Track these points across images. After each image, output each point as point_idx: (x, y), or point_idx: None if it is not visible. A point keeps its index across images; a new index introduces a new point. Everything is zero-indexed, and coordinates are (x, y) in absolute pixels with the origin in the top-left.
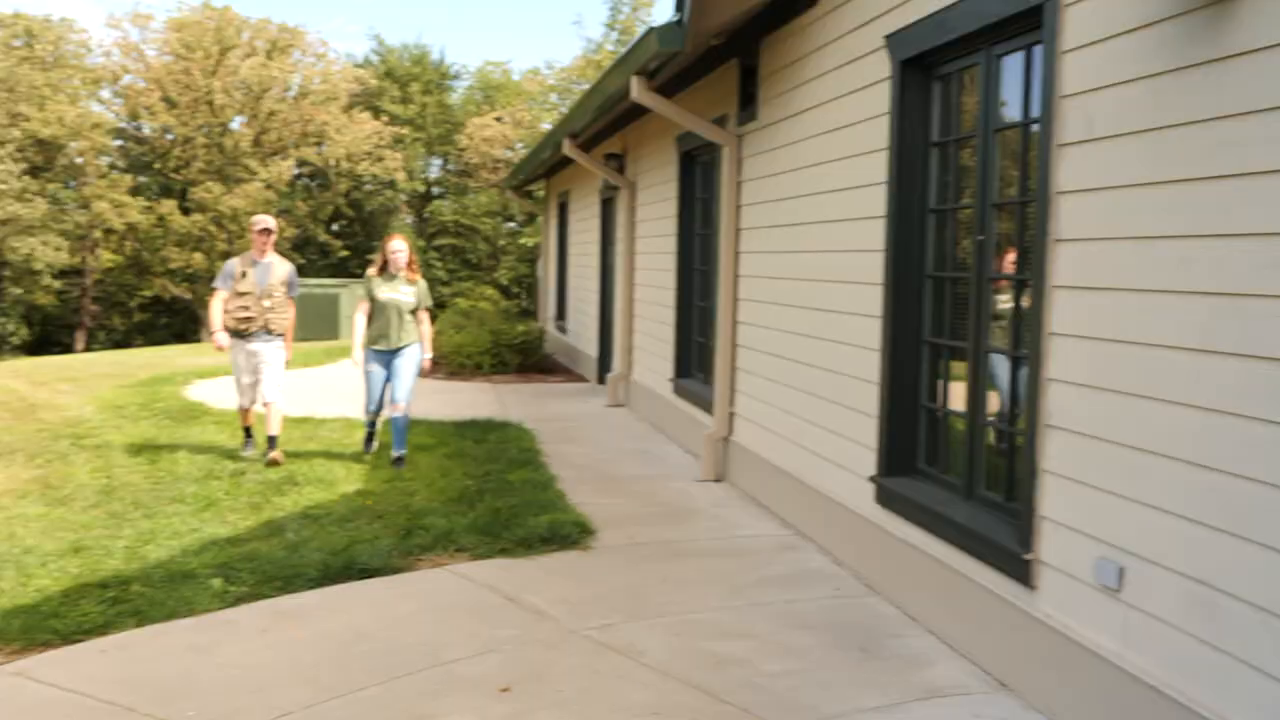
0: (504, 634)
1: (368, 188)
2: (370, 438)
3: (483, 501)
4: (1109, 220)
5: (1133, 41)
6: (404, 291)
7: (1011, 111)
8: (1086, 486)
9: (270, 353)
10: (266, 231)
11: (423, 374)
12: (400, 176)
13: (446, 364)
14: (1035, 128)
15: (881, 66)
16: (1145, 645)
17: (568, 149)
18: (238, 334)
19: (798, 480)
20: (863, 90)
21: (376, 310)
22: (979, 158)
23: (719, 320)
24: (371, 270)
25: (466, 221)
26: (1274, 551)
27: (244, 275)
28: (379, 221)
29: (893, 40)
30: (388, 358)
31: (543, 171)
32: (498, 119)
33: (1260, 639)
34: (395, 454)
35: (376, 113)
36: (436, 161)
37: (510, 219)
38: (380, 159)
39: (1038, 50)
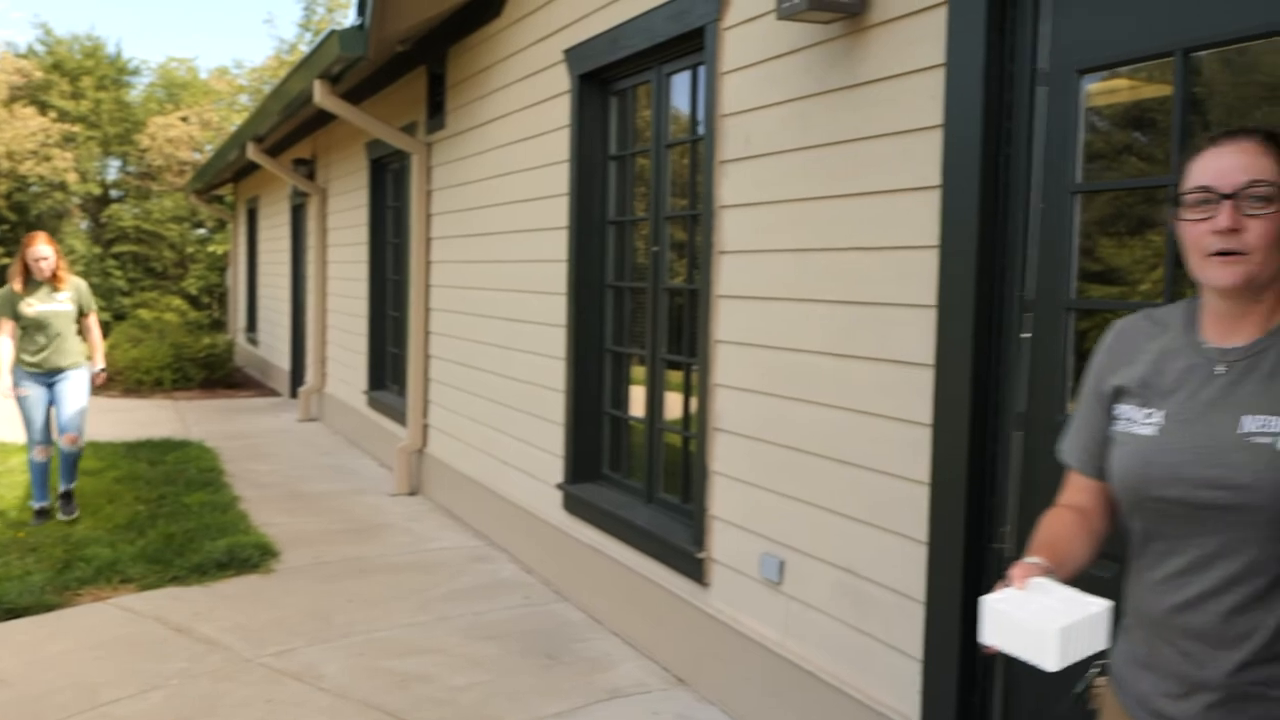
0: (171, 668)
1: (34, 189)
2: (43, 484)
3: (155, 528)
4: (766, 233)
5: (783, 66)
6: (57, 300)
7: (681, 128)
8: (751, 486)
9: None
10: None
11: (95, 387)
12: (72, 178)
13: (122, 380)
14: (702, 144)
15: (561, 80)
16: (803, 633)
17: (252, 153)
18: None
19: (490, 490)
20: (545, 102)
21: (27, 328)
22: (653, 172)
23: (411, 330)
24: (13, 282)
25: (149, 227)
26: (906, 539)
27: None
28: (48, 226)
29: (571, 55)
30: (48, 380)
31: (230, 176)
32: (183, 119)
33: (897, 620)
34: (62, 488)
35: (43, 108)
36: (115, 163)
37: (200, 225)
38: (48, 158)
39: (702, 70)
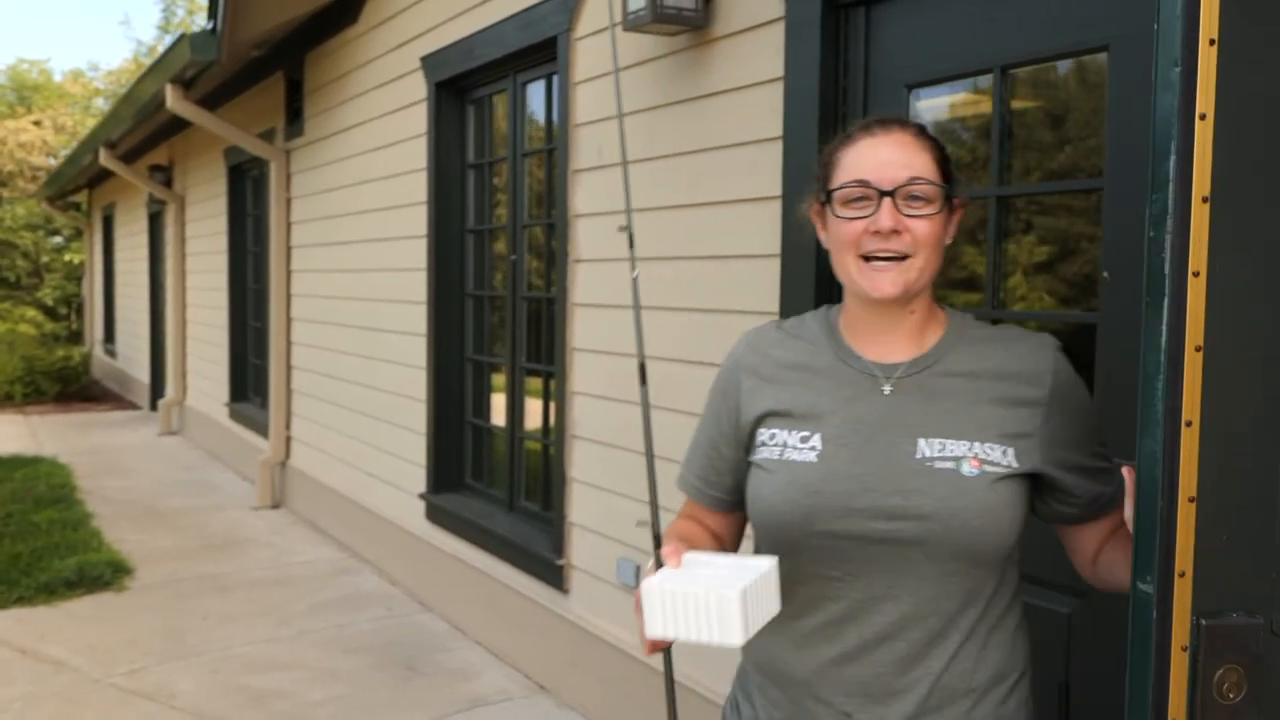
0: (14, 692)
1: None
2: None
3: (1, 547)
4: (617, 242)
5: (632, 77)
6: None
7: (537, 137)
8: (607, 492)
9: None
10: None
11: None
12: None
13: None
14: (557, 154)
15: (419, 88)
16: None
17: (105, 159)
18: None
19: (354, 502)
20: (404, 110)
21: None
22: (510, 180)
23: (273, 341)
24: None
25: (0, 235)
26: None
27: None
28: None
29: (428, 62)
30: None
31: (85, 182)
32: (36, 123)
33: None
34: None
35: None
36: None
37: (56, 233)
38: None
39: (556, 80)
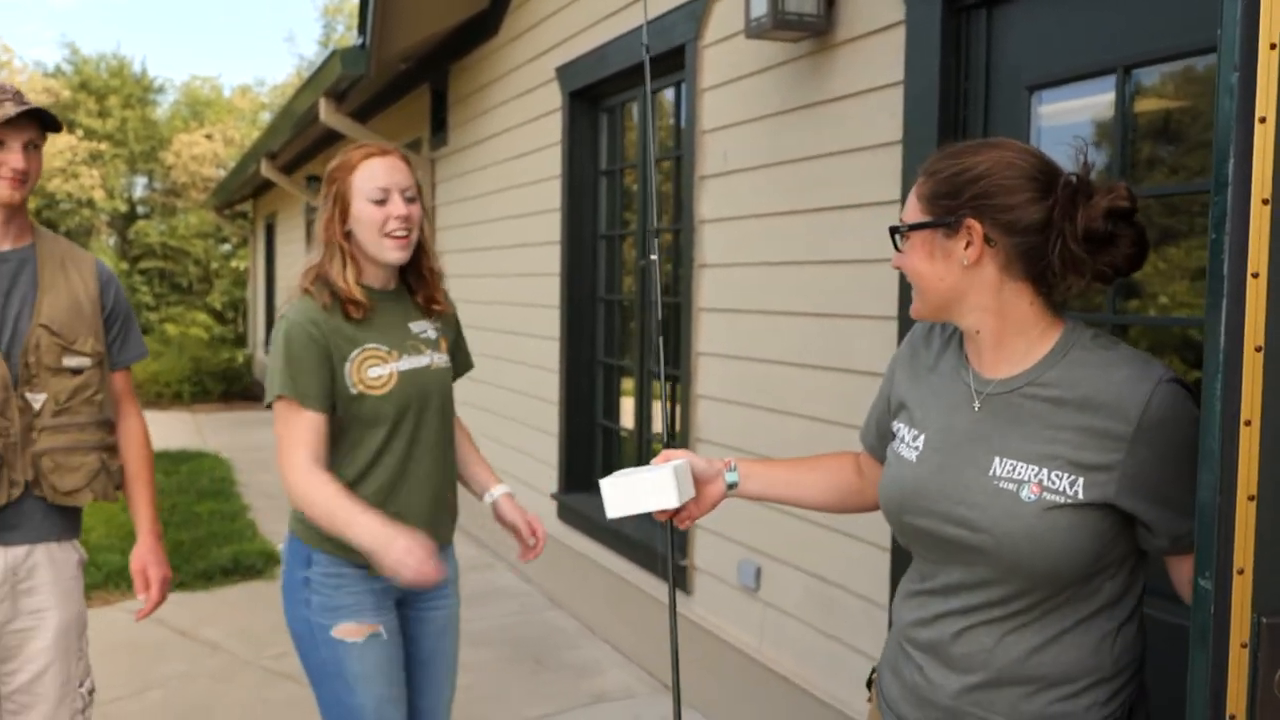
0: (171, 669)
1: (62, 206)
2: None
3: (165, 535)
4: (741, 247)
5: (756, 83)
6: (427, 337)
7: (667, 143)
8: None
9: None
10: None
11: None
12: (99, 195)
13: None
14: (684, 160)
15: (554, 97)
16: (777, 639)
17: (266, 170)
18: None
19: None
20: (539, 119)
21: (356, 426)
22: (640, 186)
23: None
24: (320, 294)
25: (175, 243)
26: (872, 546)
27: None
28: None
29: (562, 72)
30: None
31: (249, 192)
32: (207, 136)
33: (862, 625)
34: None
35: (71, 126)
36: (141, 180)
37: (224, 240)
38: (75, 176)
39: (684, 87)
